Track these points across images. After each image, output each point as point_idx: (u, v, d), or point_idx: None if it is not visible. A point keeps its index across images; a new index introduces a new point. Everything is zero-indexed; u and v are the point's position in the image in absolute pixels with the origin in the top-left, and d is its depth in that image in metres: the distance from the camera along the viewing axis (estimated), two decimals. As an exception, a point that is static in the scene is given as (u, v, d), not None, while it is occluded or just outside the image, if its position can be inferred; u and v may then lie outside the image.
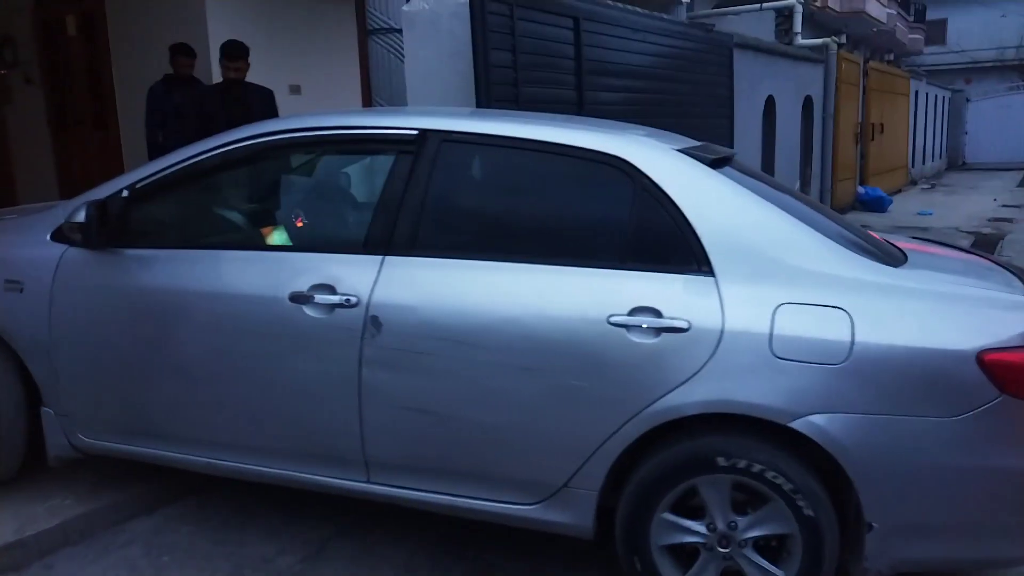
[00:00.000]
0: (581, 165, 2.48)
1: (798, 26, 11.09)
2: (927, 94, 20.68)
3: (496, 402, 2.36)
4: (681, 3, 10.52)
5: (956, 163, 27.74)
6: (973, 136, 28.61)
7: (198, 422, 2.69)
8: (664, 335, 2.22)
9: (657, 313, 2.23)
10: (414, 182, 2.53)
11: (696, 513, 2.31)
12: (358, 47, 7.51)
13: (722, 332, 2.19)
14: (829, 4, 19.18)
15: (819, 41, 11.19)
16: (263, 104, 5.46)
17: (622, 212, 2.42)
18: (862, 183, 13.85)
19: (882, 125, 14.86)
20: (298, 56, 7.58)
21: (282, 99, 7.37)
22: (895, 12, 25.49)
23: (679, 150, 2.52)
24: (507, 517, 2.47)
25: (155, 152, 5.50)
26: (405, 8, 5.11)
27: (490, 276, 2.40)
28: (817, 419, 2.12)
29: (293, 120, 2.81)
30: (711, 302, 2.23)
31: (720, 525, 2.27)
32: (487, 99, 4.48)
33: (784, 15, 11.03)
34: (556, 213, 2.61)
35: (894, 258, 2.48)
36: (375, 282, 2.44)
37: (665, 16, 6.84)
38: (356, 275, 2.46)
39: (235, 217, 2.94)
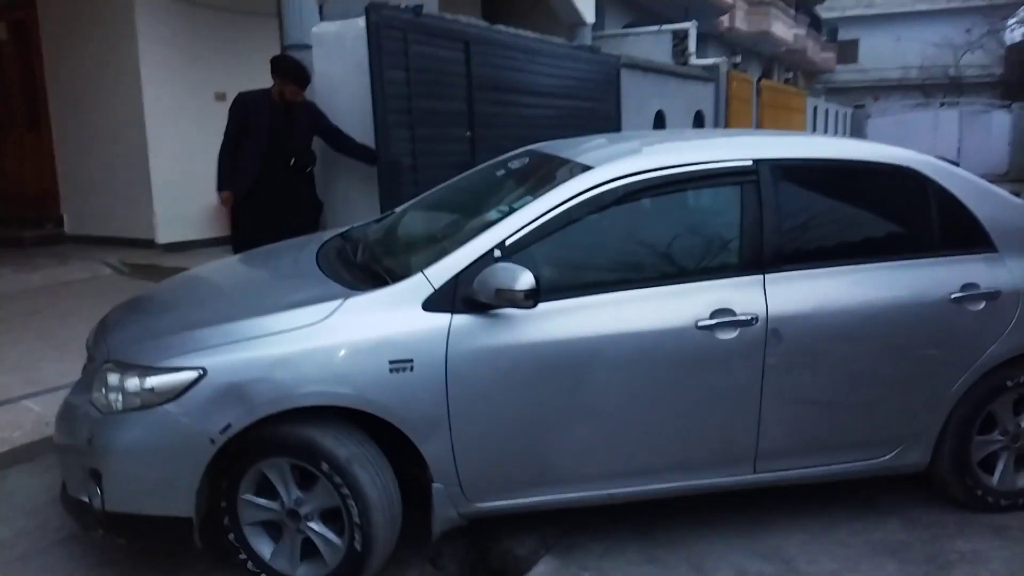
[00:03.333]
0: (884, 176, 3.06)
1: (692, 47, 12.13)
2: (826, 110, 22.12)
3: (870, 380, 2.91)
4: (586, 24, 11.46)
5: (860, 175, 29.45)
6: (875, 150, 30.41)
7: (605, 458, 2.77)
8: (985, 302, 2.94)
9: (977, 286, 2.93)
10: (765, 205, 2.86)
11: (985, 428, 3.08)
12: (280, 59, 8.12)
13: (1021, 294, 2.97)
14: (736, 25, 20.55)
15: (711, 61, 12.26)
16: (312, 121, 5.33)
17: (923, 211, 3.04)
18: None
19: (778, 139, 16.05)
20: (224, 65, 8.12)
21: (208, 104, 7.96)
22: (804, 32, 27.18)
23: (939, 157, 3.18)
24: (866, 470, 3.02)
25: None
26: (315, 29, 5.81)
27: (853, 278, 2.88)
28: None
29: (638, 161, 2.90)
30: (1004, 272, 2.99)
31: (1011, 428, 3.10)
32: (383, 110, 5.21)
33: (680, 36, 12.05)
34: (877, 216, 3.13)
35: None
36: (765, 299, 2.77)
37: (554, 39, 7.65)
38: (747, 296, 2.76)
39: (614, 258, 2.93)
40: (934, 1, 35.02)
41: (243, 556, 2.62)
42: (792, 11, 25.37)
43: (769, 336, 2.75)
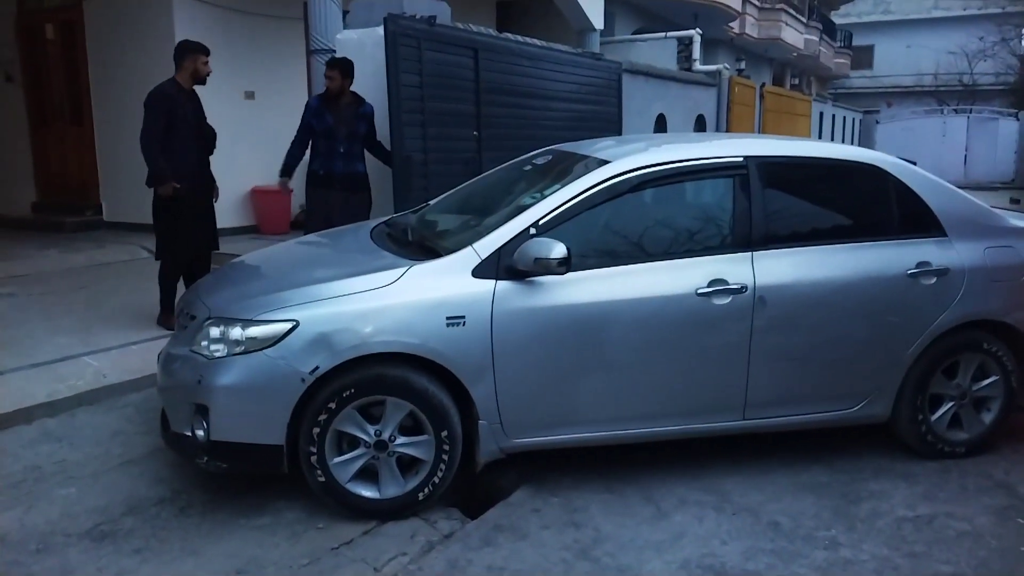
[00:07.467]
0: (852, 172, 3.61)
1: (697, 53, 12.65)
2: (833, 115, 22.45)
3: (841, 342, 3.41)
4: (595, 30, 12.01)
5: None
6: (884, 155, 30.71)
7: (619, 403, 3.25)
8: (937, 278, 3.47)
9: (929, 264, 3.46)
10: (753, 194, 3.37)
11: (949, 374, 3.61)
12: (306, 62, 8.74)
13: (965, 271, 3.50)
14: (747, 31, 20.98)
15: (713, 67, 12.78)
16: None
17: (884, 200, 3.57)
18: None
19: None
20: (253, 66, 8.74)
21: (237, 103, 8.57)
22: (816, 38, 27.44)
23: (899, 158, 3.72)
24: (838, 420, 3.55)
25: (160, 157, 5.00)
26: (339, 36, 6.42)
27: (826, 255, 3.39)
28: (1016, 314, 3.59)
29: (648, 155, 3.40)
30: (953, 253, 3.51)
31: (964, 382, 3.62)
32: (398, 110, 5.80)
33: (685, 43, 12.57)
34: (847, 205, 3.66)
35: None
36: (753, 272, 3.27)
37: (558, 46, 8.17)
38: (738, 269, 3.27)
39: (627, 237, 3.36)
40: (949, 8, 35.16)
41: (319, 473, 3.00)
42: (804, 17, 25.68)
43: (756, 302, 3.27)
